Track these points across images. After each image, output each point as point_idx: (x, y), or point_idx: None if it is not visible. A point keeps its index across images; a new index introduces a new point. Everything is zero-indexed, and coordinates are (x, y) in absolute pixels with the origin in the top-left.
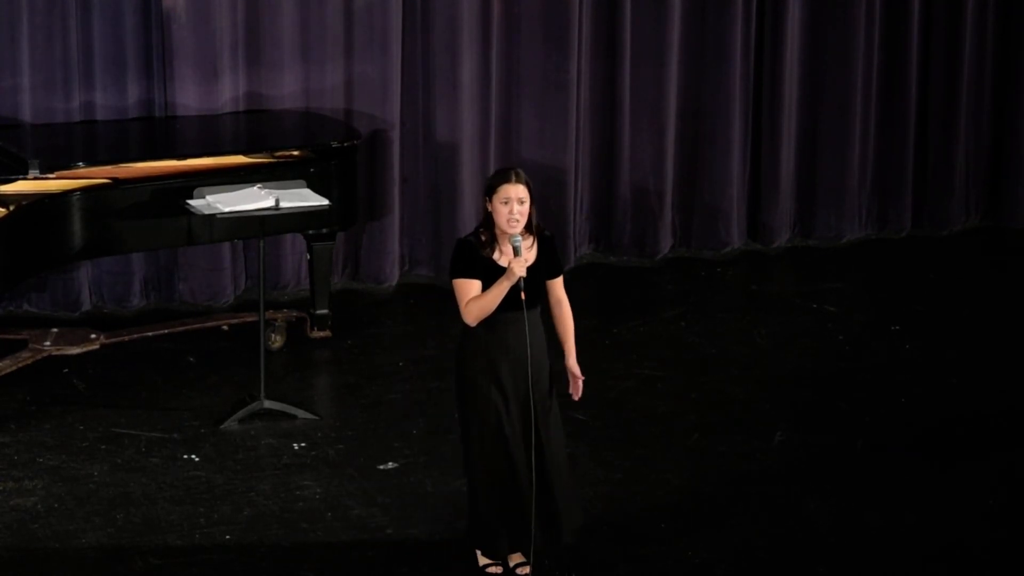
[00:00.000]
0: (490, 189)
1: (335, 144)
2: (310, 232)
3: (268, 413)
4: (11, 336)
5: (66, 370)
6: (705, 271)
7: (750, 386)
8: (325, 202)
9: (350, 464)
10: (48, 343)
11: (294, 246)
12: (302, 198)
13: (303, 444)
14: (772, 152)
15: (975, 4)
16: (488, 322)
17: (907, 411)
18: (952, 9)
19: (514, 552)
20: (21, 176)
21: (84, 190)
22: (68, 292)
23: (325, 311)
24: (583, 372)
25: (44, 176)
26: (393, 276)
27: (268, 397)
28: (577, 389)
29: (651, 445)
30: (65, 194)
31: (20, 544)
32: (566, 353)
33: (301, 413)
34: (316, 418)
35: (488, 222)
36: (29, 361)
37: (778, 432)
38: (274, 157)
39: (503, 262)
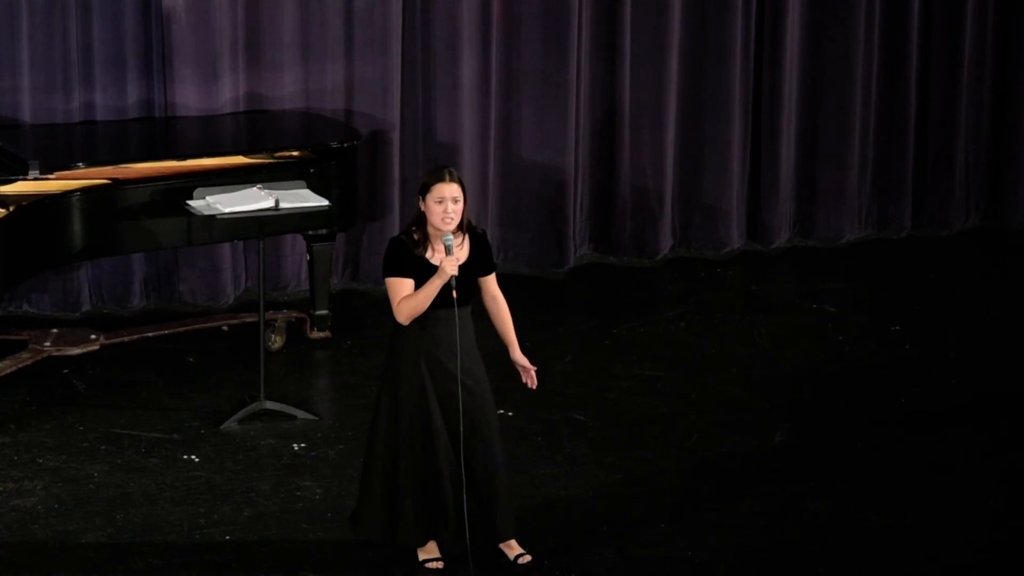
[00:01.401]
0: (424, 188)
1: (335, 145)
2: (310, 233)
3: (268, 413)
4: (11, 337)
5: (66, 370)
6: (705, 271)
7: (750, 386)
8: (325, 203)
9: (350, 464)
10: (48, 343)
11: (294, 247)
12: (302, 199)
13: (303, 444)
14: (772, 152)
15: (975, 4)
16: (420, 320)
17: (907, 412)
18: (952, 9)
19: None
20: (21, 176)
21: (84, 191)
22: (68, 293)
23: (325, 312)
24: (584, 372)
25: (44, 176)
26: None
27: (268, 397)
28: (532, 379)
29: (651, 445)
30: (65, 195)
31: (20, 544)
32: (509, 348)
33: (301, 413)
34: (316, 418)
35: (420, 221)
36: (29, 362)
37: (778, 432)
38: (274, 158)
39: (435, 260)
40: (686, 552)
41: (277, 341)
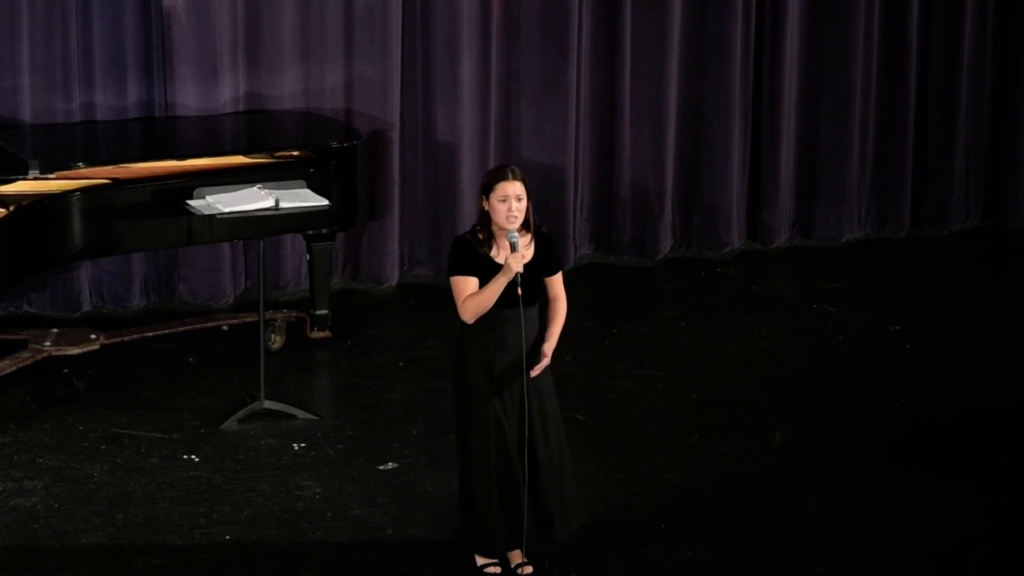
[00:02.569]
0: (487, 188)
1: (335, 144)
2: (310, 232)
3: (268, 413)
4: (11, 336)
5: (66, 370)
6: (705, 271)
7: (750, 386)
8: (325, 202)
9: (350, 464)
10: (48, 343)
11: (294, 246)
12: (302, 198)
13: (303, 444)
14: (772, 152)
15: (975, 4)
16: (486, 319)
17: (907, 411)
18: (951, 9)
19: (512, 550)
20: (21, 176)
21: (84, 190)
22: (68, 292)
23: (325, 311)
24: (584, 372)
25: (44, 176)
26: (393, 276)
27: (268, 397)
28: (538, 368)
29: (651, 445)
30: (65, 194)
31: (20, 544)
32: (546, 336)
33: (301, 413)
34: (316, 418)
35: (484, 220)
36: (29, 361)
37: (778, 432)
38: (274, 157)
39: (500, 259)
40: (686, 552)
41: (277, 341)
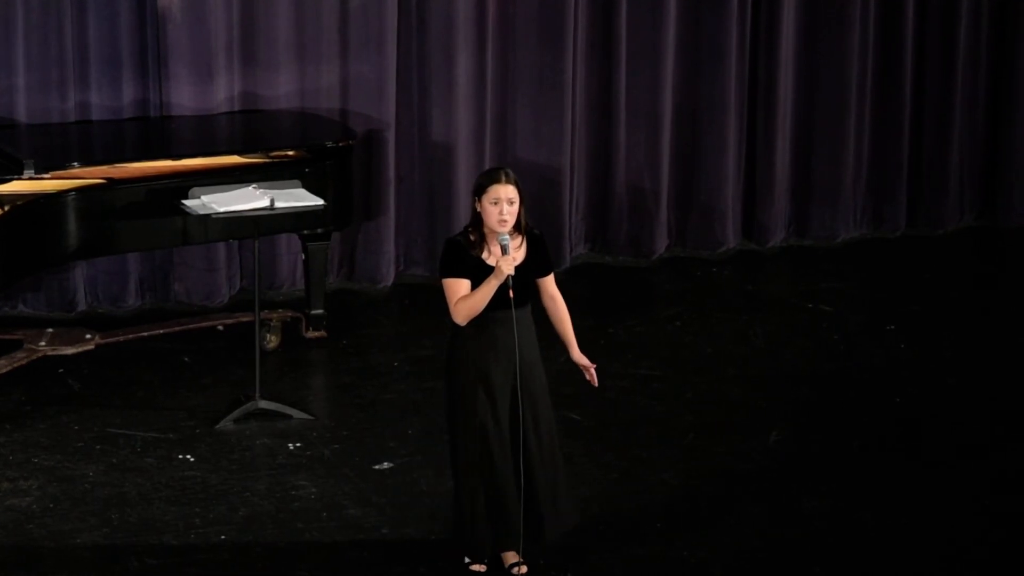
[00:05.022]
0: (479, 189)
1: (330, 144)
2: (305, 232)
3: (263, 413)
4: (6, 336)
5: (61, 370)
6: (701, 271)
7: (746, 386)
8: (320, 202)
9: (345, 464)
10: (43, 343)
11: (289, 246)
12: (297, 198)
13: (298, 444)
14: (767, 151)
15: (970, 4)
16: (477, 321)
17: (903, 411)
18: (947, 8)
19: (503, 552)
20: (16, 176)
21: (79, 190)
22: (63, 292)
23: (320, 311)
24: (579, 372)
25: (39, 176)
26: (388, 276)
27: (263, 397)
28: (592, 376)
29: (647, 445)
30: (60, 194)
31: (16, 544)
32: (568, 347)
33: (296, 413)
34: (311, 418)
35: (476, 222)
36: (24, 361)
37: (774, 432)
38: (269, 157)
39: (492, 261)
40: (682, 552)
41: (273, 340)
